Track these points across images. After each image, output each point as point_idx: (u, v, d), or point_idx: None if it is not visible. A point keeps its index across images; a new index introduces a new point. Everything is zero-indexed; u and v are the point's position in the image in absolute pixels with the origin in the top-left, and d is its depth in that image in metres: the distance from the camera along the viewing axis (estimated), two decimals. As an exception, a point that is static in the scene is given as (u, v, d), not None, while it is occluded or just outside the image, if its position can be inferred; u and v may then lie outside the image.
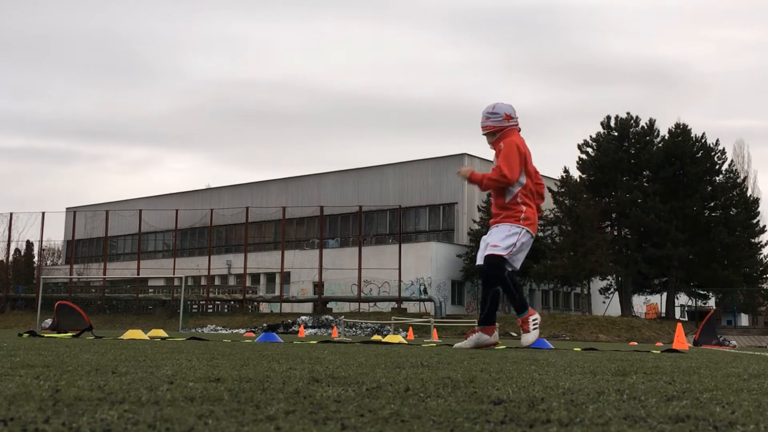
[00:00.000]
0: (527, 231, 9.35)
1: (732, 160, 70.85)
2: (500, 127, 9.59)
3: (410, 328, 36.07)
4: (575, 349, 10.94)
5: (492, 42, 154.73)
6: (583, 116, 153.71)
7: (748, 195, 69.20)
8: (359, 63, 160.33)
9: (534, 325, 9.61)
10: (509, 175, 9.23)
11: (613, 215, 65.63)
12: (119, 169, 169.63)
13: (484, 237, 9.60)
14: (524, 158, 9.42)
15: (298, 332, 38.32)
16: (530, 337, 9.63)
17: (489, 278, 9.35)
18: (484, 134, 9.69)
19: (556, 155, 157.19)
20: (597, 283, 66.57)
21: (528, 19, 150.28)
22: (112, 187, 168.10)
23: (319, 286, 65.82)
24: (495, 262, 9.21)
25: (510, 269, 9.28)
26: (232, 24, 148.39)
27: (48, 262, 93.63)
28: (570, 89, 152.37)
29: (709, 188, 64.71)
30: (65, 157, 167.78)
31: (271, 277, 72.36)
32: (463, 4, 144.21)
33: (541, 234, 67.80)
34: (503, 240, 9.24)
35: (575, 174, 65.19)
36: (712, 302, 73.11)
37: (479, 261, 9.45)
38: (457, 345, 9.77)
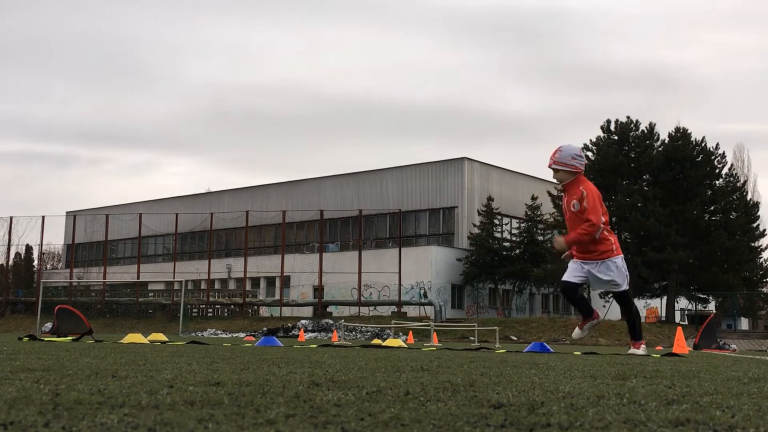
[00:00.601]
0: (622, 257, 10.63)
1: (732, 164, 70.87)
2: (581, 170, 10.50)
3: (410, 332, 36.04)
4: (575, 353, 10.96)
5: (491, 46, 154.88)
6: (583, 120, 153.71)
7: (749, 199, 69.18)
8: (359, 67, 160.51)
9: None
10: (599, 223, 10.21)
11: (613, 219, 65.54)
12: (119, 173, 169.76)
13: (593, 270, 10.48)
14: (601, 201, 10.44)
15: (298, 336, 38.30)
16: (639, 351, 10.81)
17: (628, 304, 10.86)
18: (561, 170, 10.42)
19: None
20: (597, 287, 66.51)
21: (528, 24, 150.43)
22: (112, 190, 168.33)
23: (319, 290, 65.78)
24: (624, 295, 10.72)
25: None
26: (232, 28, 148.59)
27: (48, 266, 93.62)
28: (569, 93, 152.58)
29: (709, 192, 64.68)
30: (65, 160, 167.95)
31: (271, 281, 72.35)
32: (462, 8, 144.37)
33: (541, 238, 67.92)
34: (618, 276, 10.47)
35: (575, 178, 65.15)
36: (712, 306, 73.08)
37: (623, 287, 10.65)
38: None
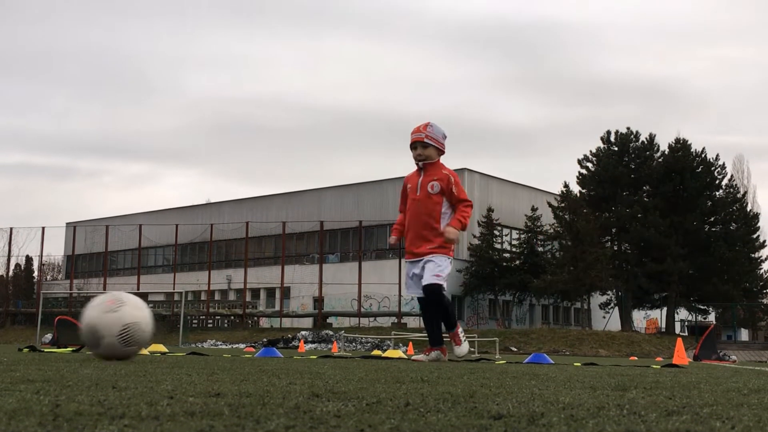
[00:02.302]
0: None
1: (732, 175, 71.02)
2: (444, 152, 9.80)
3: (410, 343, 35.94)
4: (575, 364, 10.93)
5: (490, 58, 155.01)
6: (580, 133, 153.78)
7: (748, 210, 69.29)
8: (357, 79, 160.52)
9: (464, 336, 9.90)
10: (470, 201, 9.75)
11: (613, 230, 65.65)
12: (118, 185, 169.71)
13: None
14: None
15: (298, 347, 38.27)
16: (464, 348, 9.81)
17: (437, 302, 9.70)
18: (432, 145, 9.60)
19: (556, 170, 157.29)
20: (597, 298, 66.57)
21: (524, 37, 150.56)
22: (112, 202, 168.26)
23: (319, 301, 65.78)
24: (439, 289, 9.57)
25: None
26: (231, 41, 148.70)
27: (48, 277, 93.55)
28: (566, 106, 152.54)
29: (709, 203, 64.78)
30: (65, 172, 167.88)
31: (271, 292, 72.35)
32: (460, 21, 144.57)
33: (541, 249, 67.92)
34: (443, 270, 9.60)
35: (575, 189, 65.32)
36: (712, 317, 73.10)
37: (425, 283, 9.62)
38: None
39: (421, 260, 9.62)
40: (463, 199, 9.54)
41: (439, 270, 9.48)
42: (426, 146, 9.54)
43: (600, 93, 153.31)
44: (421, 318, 10.39)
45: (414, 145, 9.63)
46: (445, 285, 9.51)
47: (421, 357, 9.88)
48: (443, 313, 9.79)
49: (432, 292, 9.48)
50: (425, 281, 9.48)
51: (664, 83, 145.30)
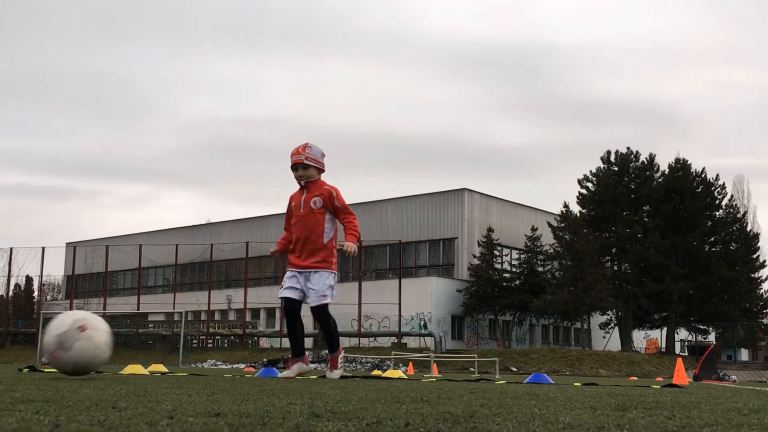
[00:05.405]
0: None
1: (732, 195, 71.04)
2: (324, 170, 10.27)
3: (410, 363, 35.95)
4: (575, 384, 10.92)
5: (487, 79, 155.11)
6: (579, 153, 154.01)
7: (748, 230, 69.30)
8: (354, 101, 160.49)
9: (342, 363, 10.38)
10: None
11: (613, 250, 65.63)
12: (117, 206, 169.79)
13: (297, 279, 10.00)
14: None
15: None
16: (337, 374, 10.21)
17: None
18: (312, 166, 10.06)
19: (555, 190, 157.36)
20: (597, 318, 66.49)
21: (521, 59, 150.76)
22: (110, 223, 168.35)
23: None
24: (325, 309, 9.96)
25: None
26: (228, 63, 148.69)
27: (48, 297, 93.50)
28: (563, 127, 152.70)
29: (709, 223, 64.75)
30: (64, 193, 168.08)
31: (271, 311, 72.27)
32: (458, 43, 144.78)
33: (541, 269, 67.89)
34: (328, 289, 9.89)
35: (575, 209, 65.33)
36: (712, 337, 73.04)
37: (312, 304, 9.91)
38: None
39: (306, 272, 9.91)
40: (345, 207, 9.94)
41: (325, 289, 9.80)
42: (306, 167, 10.01)
43: (597, 114, 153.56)
44: (287, 329, 10.62)
45: (295, 167, 10.06)
46: (331, 300, 9.88)
47: (286, 373, 10.36)
48: (326, 333, 10.27)
49: (319, 313, 9.90)
50: (313, 303, 9.85)
51: (659, 105, 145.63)
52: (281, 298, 10.07)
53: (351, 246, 9.70)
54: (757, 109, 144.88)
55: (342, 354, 10.37)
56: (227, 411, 3.48)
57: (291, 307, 10.05)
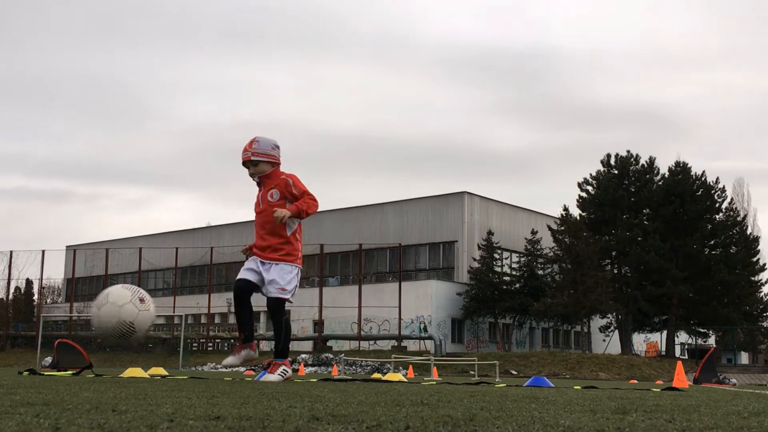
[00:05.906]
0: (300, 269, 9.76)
1: (732, 199, 70.99)
2: (279, 162, 9.76)
3: (410, 366, 35.97)
4: (575, 387, 10.91)
5: (487, 83, 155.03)
6: (578, 156, 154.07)
7: (748, 233, 69.24)
8: (355, 104, 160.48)
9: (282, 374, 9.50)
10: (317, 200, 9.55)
11: (613, 253, 65.62)
12: (117, 209, 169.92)
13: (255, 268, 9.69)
14: None
15: (298, 370, 38.21)
16: (274, 378, 9.38)
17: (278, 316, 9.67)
18: (262, 161, 9.61)
19: (555, 193, 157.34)
20: (597, 321, 66.46)
21: (522, 62, 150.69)
22: (110, 226, 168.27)
23: (319, 324, 65.71)
24: (282, 305, 9.60)
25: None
26: (228, 67, 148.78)
27: (48, 300, 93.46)
28: (563, 130, 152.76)
29: (709, 226, 64.73)
30: (63, 196, 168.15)
31: (271, 314, 72.21)
32: (457, 47, 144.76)
33: (541, 272, 67.87)
34: (289, 283, 9.58)
35: (575, 212, 65.30)
36: (712, 340, 72.97)
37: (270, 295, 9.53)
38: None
39: (268, 264, 9.60)
40: (303, 192, 9.48)
41: (285, 283, 9.48)
42: (256, 163, 9.61)
43: (597, 117, 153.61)
44: (235, 314, 10.14)
45: (245, 164, 9.73)
46: (290, 298, 9.60)
47: (230, 359, 9.86)
48: (276, 333, 9.74)
49: (275, 307, 9.51)
50: (270, 294, 9.48)
51: (659, 108, 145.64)
52: (237, 279, 9.62)
53: (280, 211, 9.29)
54: (757, 111, 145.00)
55: (286, 368, 9.56)
56: (227, 414, 3.48)
57: (240, 288, 9.57)
